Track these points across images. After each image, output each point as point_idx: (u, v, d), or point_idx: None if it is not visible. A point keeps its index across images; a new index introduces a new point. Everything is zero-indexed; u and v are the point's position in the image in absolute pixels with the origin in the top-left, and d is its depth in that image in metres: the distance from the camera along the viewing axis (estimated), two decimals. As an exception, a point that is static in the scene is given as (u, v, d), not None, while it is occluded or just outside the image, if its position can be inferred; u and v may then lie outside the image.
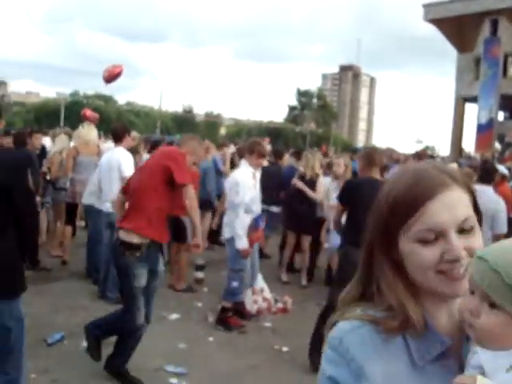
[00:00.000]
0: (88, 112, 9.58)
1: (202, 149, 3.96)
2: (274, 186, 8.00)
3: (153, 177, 4.11)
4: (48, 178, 7.71)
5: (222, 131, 77.76)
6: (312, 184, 7.43)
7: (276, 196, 8.19)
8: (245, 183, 5.56)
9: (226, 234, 5.78)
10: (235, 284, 5.69)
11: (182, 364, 4.64)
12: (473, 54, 40.71)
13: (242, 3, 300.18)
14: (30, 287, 6.37)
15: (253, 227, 5.83)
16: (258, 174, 5.94)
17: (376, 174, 4.89)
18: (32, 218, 3.21)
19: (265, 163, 7.56)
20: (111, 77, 8.89)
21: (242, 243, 5.53)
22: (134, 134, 8.39)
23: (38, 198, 7.50)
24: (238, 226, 5.51)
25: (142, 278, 4.08)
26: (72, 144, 8.39)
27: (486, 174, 5.63)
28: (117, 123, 8.14)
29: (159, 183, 4.06)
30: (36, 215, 3.55)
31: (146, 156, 8.98)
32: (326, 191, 7.35)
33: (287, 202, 7.92)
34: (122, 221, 4.14)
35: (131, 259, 3.99)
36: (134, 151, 7.22)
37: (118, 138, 6.51)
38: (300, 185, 7.43)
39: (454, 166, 8.65)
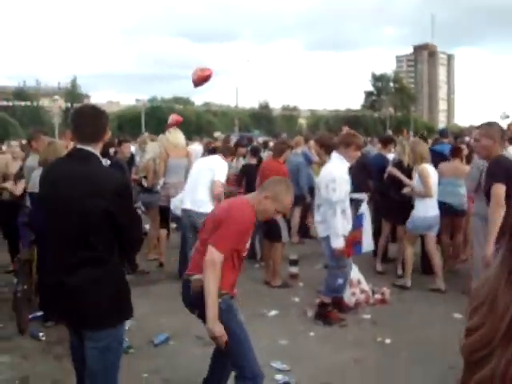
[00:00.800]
0: (174, 117, 9.79)
1: (288, 195, 3.49)
2: (361, 174, 7.78)
3: None
4: (145, 185, 7.97)
5: (302, 122, 77.39)
6: (409, 172, 7.09)
7: (364, 184, 7.98)
8: (342, 179, 5.37)
9: (321, 232, 5.59)
10: (340, 281, 5.58)
11: (285, 360, 4.66)
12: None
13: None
14: (132, 291, 6.66)
15: (356, 226, 5.72)
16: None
17: None
18: (136, 230, 3.19)
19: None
20: (200, 80, 9.04)
21: (339, 243, 5.36)
22: (218, 133, 8.54)
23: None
24: (337, 225, 5.33)
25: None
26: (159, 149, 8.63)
27: None
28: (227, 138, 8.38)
29: None
30: (140, 228, 3.53)
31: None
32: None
33: (381, 191, 7.65)
34: None
35: None
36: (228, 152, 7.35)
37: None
38: (396, 173, 7.17)
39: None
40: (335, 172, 5.37)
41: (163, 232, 8.06)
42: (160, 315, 5.94)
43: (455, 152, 7.47)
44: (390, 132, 21.32)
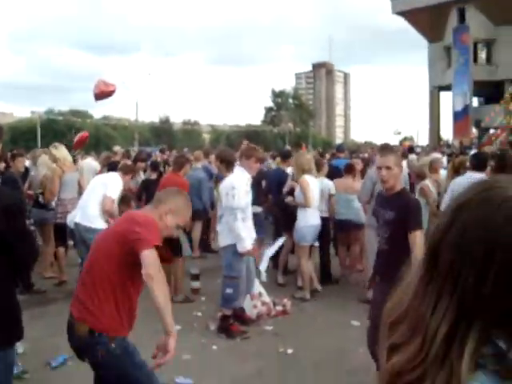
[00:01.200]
0: (83, 136, 9.57)
1: (189, 207, 3.30)
2: (258, 188, 7.91)
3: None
4: (42, 201, 7.63)
5: (205, 136, 77.36)
6: None
7: (261, 198, 8.13)
8: (241, 187, 5.54)
9: (221, 241, 5.74)
10: (229, 291, 5.69)
11: (189, 374, 4.63)
12: (443, 42, 41.27)
13: (210, 10, 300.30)
14: (26, 312, 6.34)
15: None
16: (250, 180, 5.90)
17: None
18: (27, 247, 2.94)
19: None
20: (103, 94, 8.85)
21: (245, 245, 5.49)
22: (117, 148, 8.38)
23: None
24: (239, 229, 5.45)
25: None
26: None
27: (479, 161, 5.77)
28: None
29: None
30: (33, 245, 3.26)
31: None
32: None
33: (282, 206, 7.75)
34: None
35: None
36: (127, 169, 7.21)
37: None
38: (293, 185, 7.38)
39: (438, 155, 8.76)
40: (236, 181, 5.56)
41: (61, 250, 7.78)
42: (57, 336, 5.68)
43: (348, 169, 7.85)
44: (288, 147, 21.81)
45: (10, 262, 2.83)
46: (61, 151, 7.77)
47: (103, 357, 2.89)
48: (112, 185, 6.46)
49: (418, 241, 3.77)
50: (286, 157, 8.72)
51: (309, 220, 6.84)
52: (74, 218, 6.68)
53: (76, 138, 10.19)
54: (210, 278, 7.60)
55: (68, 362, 4.99)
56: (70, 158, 8.08)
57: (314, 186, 6.93)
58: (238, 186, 5.49)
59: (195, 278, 7.30)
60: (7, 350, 2.83)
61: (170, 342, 2.83)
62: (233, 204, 5.46)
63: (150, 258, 2.75)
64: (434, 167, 7.47)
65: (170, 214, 3.12)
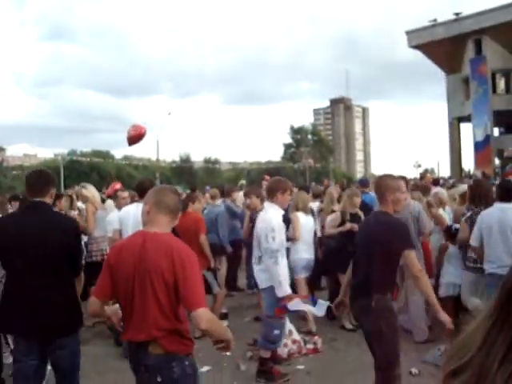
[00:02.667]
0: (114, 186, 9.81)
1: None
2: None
3: None
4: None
5: (242, 182, 78.14)
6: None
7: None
8: (280, 226, 5.36)
9: (261, 283, 5.50)
10: (277, 332, 5.47)
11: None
12: (461, 74, 41.32)
13: (226, 50, 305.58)
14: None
15: None
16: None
17: None
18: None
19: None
20: (136, 138, 9.10)
21: (285, 290, 5.26)
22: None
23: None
24: (280, 273, 5.23)
25: None
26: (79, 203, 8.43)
27: (507, 191, 5.64)
28: (143, 180, 8.25)
29: None
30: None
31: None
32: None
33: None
34: None
35: None
36: None
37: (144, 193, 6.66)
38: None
39: (464, 187, 8.62)
40: (273, 221, 5.33)
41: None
42: (87, 378, 5.63)
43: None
44: (313, 183, 21.86)
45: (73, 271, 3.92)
46: (90, 190, 7.81)
47: (178, 376, 2.92)
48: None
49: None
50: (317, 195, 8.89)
51: (301, 254, 7.09)
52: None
53: (109, 189, 10.45)
54: (237, 317, 7.50)
55: None
56: (98, 196, 8.12)
57: (306, 222, 7.26)
58: (277, 227, 5.29)
59: (224, 316, 7.21)
60: (77, 333, 3.92)
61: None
62: (273, 246, 5.23)
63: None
64: (464, 198, 7.41)
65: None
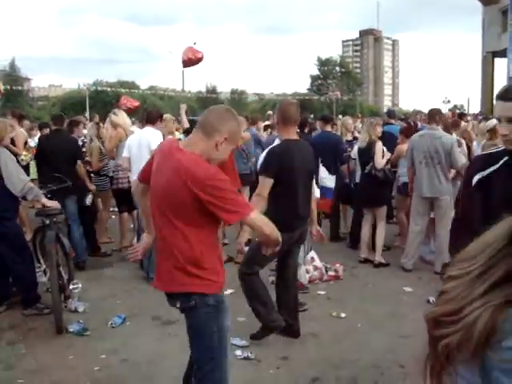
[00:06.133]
0: (124, 100, 9.73)
1: (241, 128, 3.25)
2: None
3: None
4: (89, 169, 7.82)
5: (270, 113, 77.64)
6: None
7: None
8: None
9: None
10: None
11: (243, 336, 4.70)
12: (498, 5, 39.47)
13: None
14: (84, 274, 6.56)
15: None
16: None
17: None
18: None
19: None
20: (192, 61, 8.98)
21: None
22: (168, 115, 8.36)
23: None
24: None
25: None
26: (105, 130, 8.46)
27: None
28: (152, 109, 8.18)
29: None
30: None
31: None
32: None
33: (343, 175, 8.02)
34: None
35: None
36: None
37: (150, 121, 6.67)
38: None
39: (494, 121, 8.46)
40: None
41: (124, 215, 7.85)
42: (115, 297, 5.88)
43: (408, 131, 7.70)
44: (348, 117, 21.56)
45: None
46: (122, 117, 7.82)
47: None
48: (156, 140, 6.31)
49: None
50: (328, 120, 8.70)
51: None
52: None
53: (127, 103, 10.38)
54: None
55: (126, 321, 5.15)
56: (129, 122, 8.12)
57: None
58: None
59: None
60: None
61: None
62: None
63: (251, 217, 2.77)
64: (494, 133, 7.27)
65: (225, 142, 2.76)
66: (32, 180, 5.97)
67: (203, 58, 9.30)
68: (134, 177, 6.22)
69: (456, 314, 1.04)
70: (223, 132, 2.73)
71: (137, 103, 11.87)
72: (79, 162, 7.29)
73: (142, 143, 6.46)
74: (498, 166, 2.43)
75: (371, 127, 7.08)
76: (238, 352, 4.42)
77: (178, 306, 2.82)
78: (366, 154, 6.98)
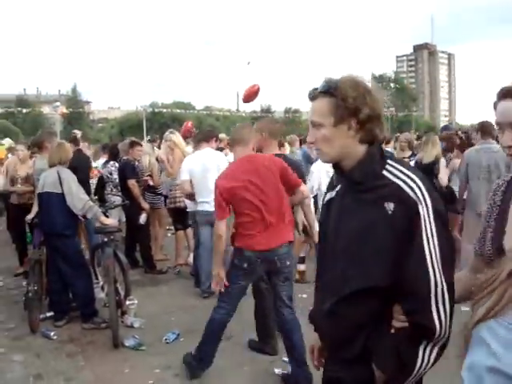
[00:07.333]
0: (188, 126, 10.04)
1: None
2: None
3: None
4: (151, 183, 8.07)
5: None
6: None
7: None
8: None
9: None
10: None
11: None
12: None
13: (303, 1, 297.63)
14: (141, 290, 6.70)
15: None
16: None
17: None
18: None
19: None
20: (250, 96, 9.37)
21: None
22: (222, 135, 8.56)
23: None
24: None
25: None
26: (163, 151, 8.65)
27: None
28: (207, 129, 8.39)
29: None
30: None
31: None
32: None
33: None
34: None
35: None
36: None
37: (206, 140, 6.72)
38: None
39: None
40: None
41: (180, 233, 7.99)
42: (170, 313, 5.98)
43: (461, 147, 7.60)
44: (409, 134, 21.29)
45: None
46: (178, 137, 8.02)
47: None
48: (224, 165, 6.36)
49: None
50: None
51: None
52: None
53: (182, 128, 10.57)
54: (313, 263, 7.60)
55: (181, 337, 5.23)
56: (184, 143, 8.31)
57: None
58: None
59: (301, 260, 7.33)
60: None
61: None
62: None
63: None
64: None
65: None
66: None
67: (259, 89, 9.57)
68: (199, 199, 6.40)
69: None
70: None
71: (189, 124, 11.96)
72: (133, 181, 7.52)
73: (207, 167, 6.39)
74: None
75: (436, 143, 7.03)
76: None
77: None
78: (429, 170, 6.87)
